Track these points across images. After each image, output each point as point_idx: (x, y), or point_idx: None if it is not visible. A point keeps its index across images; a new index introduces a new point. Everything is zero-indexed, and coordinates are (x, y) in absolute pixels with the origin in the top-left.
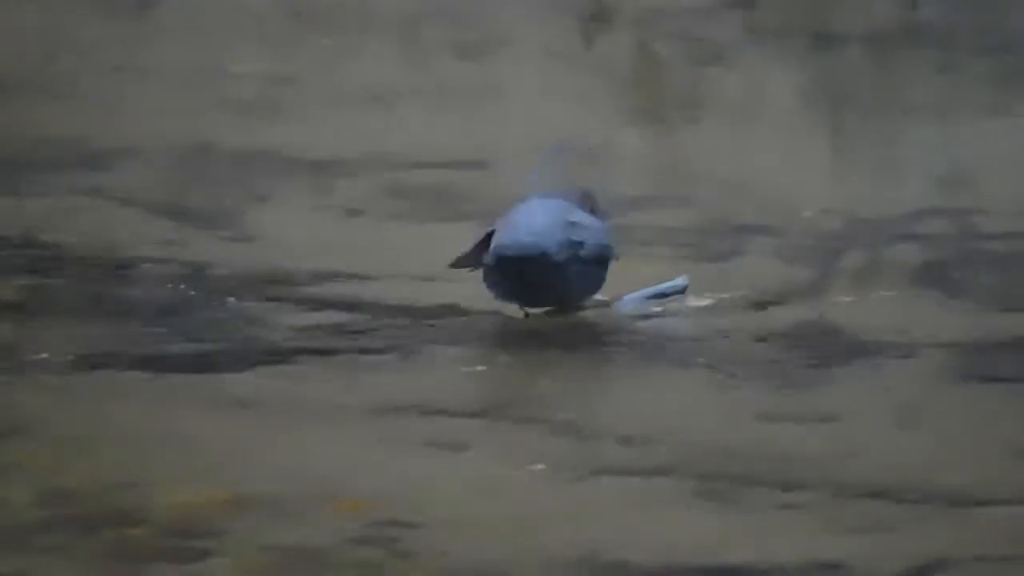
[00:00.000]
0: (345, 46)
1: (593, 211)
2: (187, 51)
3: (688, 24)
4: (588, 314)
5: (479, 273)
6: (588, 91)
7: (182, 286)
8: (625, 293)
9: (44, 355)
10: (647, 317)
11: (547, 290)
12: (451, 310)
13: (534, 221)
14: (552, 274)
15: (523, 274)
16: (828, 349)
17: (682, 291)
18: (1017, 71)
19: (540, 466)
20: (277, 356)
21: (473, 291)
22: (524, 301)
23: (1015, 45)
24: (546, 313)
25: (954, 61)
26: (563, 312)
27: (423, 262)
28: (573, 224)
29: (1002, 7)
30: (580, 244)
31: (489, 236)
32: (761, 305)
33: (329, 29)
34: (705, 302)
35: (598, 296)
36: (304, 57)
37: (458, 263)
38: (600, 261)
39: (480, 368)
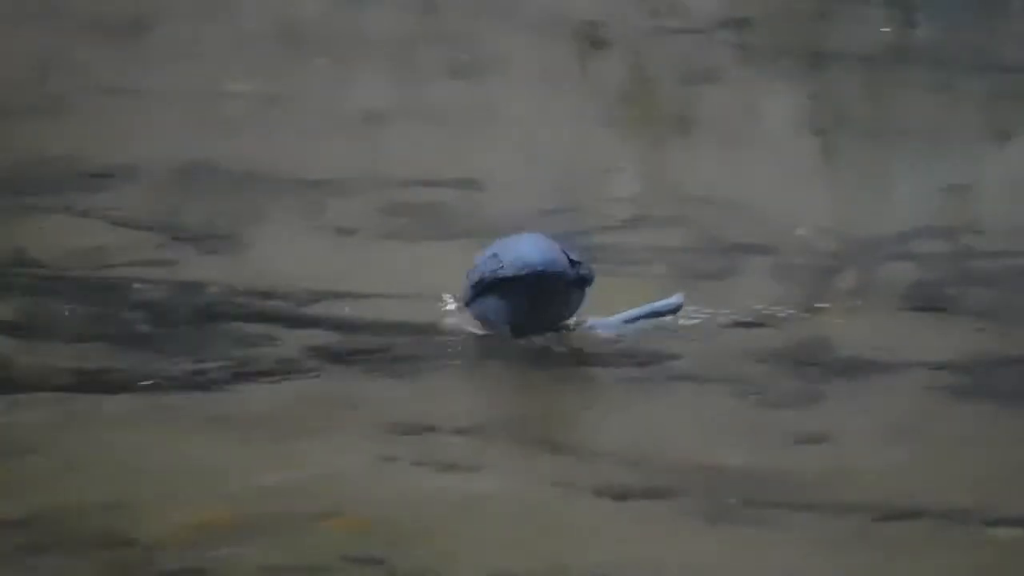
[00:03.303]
0: (339, 67)
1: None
2: (181, 72)
3: (682, 44)
4: (584, 333)
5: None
6: (582, 112)
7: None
8: (620, 311)
9: (40, 375)
10: (642, 336)
11: (552, 308)
12: (446, 329)
13: (538, 247)
14: (562, 293)
15: (539, 289)
16: (822, 368)
17: (677, 309)
18: (1009, 90)
19: (539, 486)
20: (272, 375)
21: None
22: (527, 319)
23: (1007, 65)
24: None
25: (947, 81)
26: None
27: (416, 281)
28: (567, 251)
29: (995, 27)
30: (582, 267)
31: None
32: (755, 324)
33: (323, 50)
34: (699, 321)
35: (584, 318)
36: (298, 77)
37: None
38: (587, 283)
39: (477, 387)
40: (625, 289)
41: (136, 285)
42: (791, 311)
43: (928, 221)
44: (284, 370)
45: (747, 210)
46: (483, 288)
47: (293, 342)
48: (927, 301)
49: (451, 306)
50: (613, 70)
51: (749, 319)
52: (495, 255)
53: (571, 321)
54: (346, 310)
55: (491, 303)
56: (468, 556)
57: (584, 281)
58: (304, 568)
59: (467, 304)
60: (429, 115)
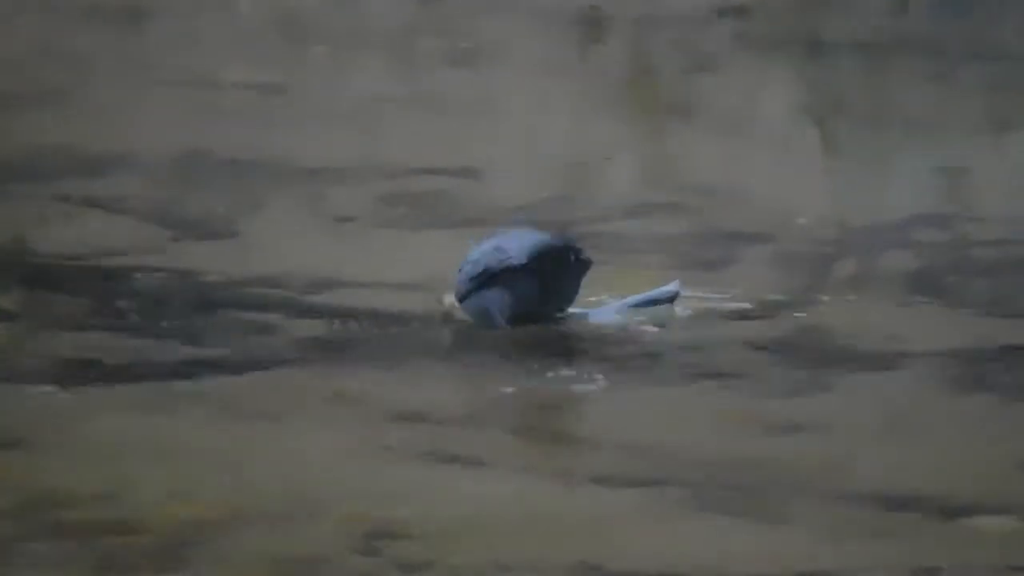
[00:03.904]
0: (338, 56)
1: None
2: (180, 60)
3: (681, 33)
4: (581, 322)
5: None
6: (581, 100)
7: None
8: (618, 299)
9: (37, 364)
10: (640, 324)
11: (555, 296)
12: (445, 318)
13: (539, 236)
14: (567, 278)
15: (551, 274)
16: (822, 357)
17: (674, 297)
18: (1008, 79)
19: (537, 476)
20: (271, 364)
21: None
22: (530, 308)
23: (1005, 54)
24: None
25: (946, 69)
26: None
27: (416, 269)
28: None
29: (992, 16)
30: (582, 252)
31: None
32: (754, 312)
33: (322, 39)
34: (698, 310)
35: (581, 307)
36: (297, 66)
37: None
38: (587, 269)
39: (476, 377)
40: (624, 277)
41: (135, 274)
42: (790, 300)
43: (927, 209)
44: (282, 359)
45: (746, 198)
46: (485, 280)
47: (292, 331)
48: (927, 290)
49: (447, 300)
50: (612, 59)
51: (748, 308)
52: (498, 247)
53: (568, 310)
54: (345, 299)
55: (493, 295)
56: (467, 546)
57: (585, 266)
58: (302, 559)
59: (463, 299)
60: (428, 104)
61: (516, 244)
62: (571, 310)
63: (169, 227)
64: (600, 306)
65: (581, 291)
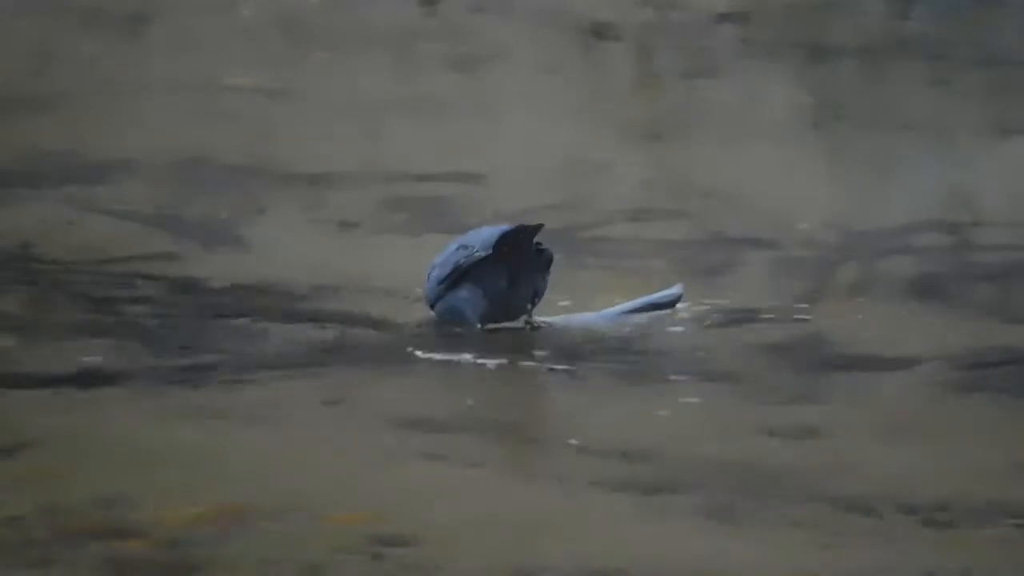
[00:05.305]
0: (340, 60)
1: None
2: (182, 65)
3: (683, 38)
4: (582, 326)
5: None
6: (583, 105)
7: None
8: (619, 303)
9: (40, 369)
10: (643, 329)
11: (523, 288)
12: (447, 323)
13: (499, 228)
14: (532, 270)
15: (516, 262)
16: (823, 361)
17: (677, 300)
18: (1010, 84)
19: (538, 481)
20: (274, 369)
21: None
22: (500, 301)
23: (1006, 58)
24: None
25: (947, 74)
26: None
27: (418, 275)
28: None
29: (993, 21)
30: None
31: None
32: (756, 318)
33: (324, 43)
34: (699, 314)
35: (582, 310)
36: (299, 71)
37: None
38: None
39: (476, 381)
40: (625, 283)
41: (136, 280)
42: (792, 304)
43: (929, 215)
44: (284, 364)
45: (748, 204)
46: (457, 278)
47: (293, 336)
48: (928, 295)
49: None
50: (614, 64)
51: (750, 312)
52: (461, 245)
53: (568, 313)
54: (346, 304)
55: (463, 294)
56: (467, 549)
57: (548, 258)
58: (304, 562)
59: (434, 303)
60: (430, 108)
61: (478, 238)
62: (572, 314)
63: (171, 232)
64: (602, 310)
65: (583, 295)
